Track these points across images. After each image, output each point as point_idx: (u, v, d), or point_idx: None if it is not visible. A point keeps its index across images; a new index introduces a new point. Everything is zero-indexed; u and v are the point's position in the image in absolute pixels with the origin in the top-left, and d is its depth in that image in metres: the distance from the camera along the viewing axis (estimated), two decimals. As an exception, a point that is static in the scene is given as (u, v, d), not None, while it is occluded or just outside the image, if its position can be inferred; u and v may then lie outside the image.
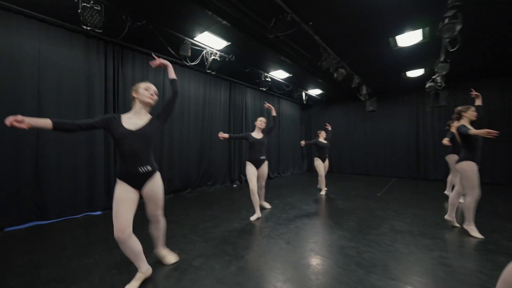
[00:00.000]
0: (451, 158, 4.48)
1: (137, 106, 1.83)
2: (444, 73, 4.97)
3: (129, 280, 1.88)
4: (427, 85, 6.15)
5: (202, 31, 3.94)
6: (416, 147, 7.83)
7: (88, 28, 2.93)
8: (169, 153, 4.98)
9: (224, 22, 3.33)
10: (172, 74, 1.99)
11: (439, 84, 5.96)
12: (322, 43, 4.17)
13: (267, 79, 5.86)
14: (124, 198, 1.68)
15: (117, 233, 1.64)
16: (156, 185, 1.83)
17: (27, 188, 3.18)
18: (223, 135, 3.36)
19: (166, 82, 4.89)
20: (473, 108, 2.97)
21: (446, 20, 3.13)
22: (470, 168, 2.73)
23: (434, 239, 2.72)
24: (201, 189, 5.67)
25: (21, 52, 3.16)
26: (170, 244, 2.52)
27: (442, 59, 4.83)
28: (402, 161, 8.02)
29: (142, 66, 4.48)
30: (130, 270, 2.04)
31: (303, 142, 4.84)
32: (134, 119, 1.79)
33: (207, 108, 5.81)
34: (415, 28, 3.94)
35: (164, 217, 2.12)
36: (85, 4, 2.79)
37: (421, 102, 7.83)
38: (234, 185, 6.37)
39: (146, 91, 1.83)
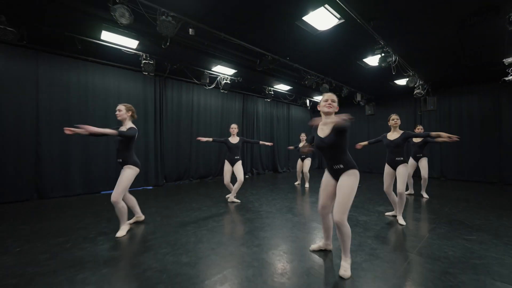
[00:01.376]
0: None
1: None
2: (413, 84, 5.89)
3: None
4: (414, 92, 7.00)
5: (216, 65, 5.73)
6: (414, 147, 8.47)
7: (146, 73, 4.92)
8: (196, 150, 6.89)
9: (230, 59, 5.06)
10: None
11: (421, 92, 6.79)
12: (302, 67, 5.60)
13: (270, 92, 7.41)
14: None
15: None
16: None
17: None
18: (203, 139, 4.15)
19: (194, 99, 6.84)
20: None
21: (380, 55, 4.35)
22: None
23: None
24: (220, 177, 7.48)
25: (108, 87, 5.34)
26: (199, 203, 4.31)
27: (411, 73, 5.81)
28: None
29: (176, 90, 6.49)
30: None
31: (291, 148, 6.35)
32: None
33: (225, 116, 7.63)
34: (373, 54, 5.09)
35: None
36: (145, 61, 4.77)
37: (419, 105, 8.46)
38: (246, 176, 8.05)
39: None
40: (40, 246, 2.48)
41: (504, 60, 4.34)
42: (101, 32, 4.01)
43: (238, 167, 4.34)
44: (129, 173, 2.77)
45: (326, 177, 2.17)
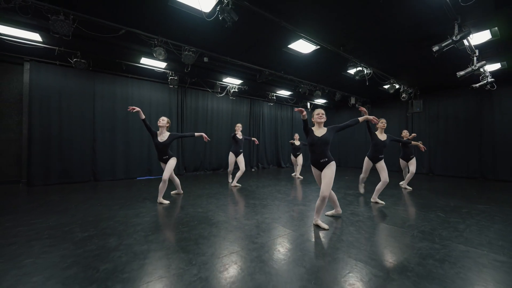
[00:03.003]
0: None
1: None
2: (393, 90, 6.83)
3: (188, 189, 5.06)
4: (401, 95, 7.90)
5: (226, 77, 7.07)
6: (406, 145, 9.29)
7: (171, 86, 6.38)
8: (210, 147, 8.30)
9: (236, 74, 6.38)
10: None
11: (405, 96, 7.68)
12: (296, 78, 6.79)
13: (273, 97, 8.64)
14: None
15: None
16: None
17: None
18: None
19: (208, 105, 8.25)
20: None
21: (354, 71, 5.43)
22: None
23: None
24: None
25: (143, 96, 6.88)
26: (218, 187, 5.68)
27: (391, 81, 6.76)
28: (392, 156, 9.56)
29: (195, 97, 7.94)
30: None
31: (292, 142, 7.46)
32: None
33: (234, 118, 8.98)
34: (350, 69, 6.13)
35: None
36: (171, 77, 6.22)
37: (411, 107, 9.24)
38: (253, 170, 9.34)
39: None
40: (110, 205, 3.94)
41: (457, 73, 5.20)
42: (141, 58, 5.49)
43: (241, 159, 5.64)
44: (173, 162, 4.08)
45: (314, 170, 2.99)
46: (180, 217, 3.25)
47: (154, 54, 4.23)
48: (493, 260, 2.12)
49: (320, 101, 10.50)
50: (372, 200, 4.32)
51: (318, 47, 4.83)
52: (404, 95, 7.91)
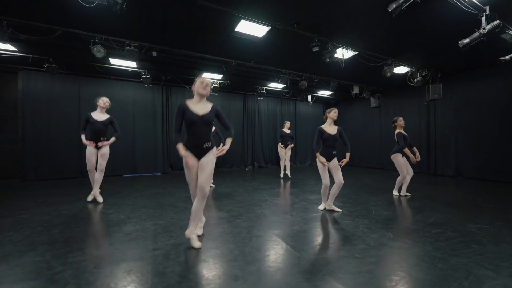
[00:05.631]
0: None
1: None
2: (389, 74, 5.57)
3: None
4: (415, 80, 6.49)
5: (204, 72, 6.81)
6: (427, 141, 7.63)
7: (145, 85, 6.42)
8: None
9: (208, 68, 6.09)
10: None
11: (417, 80, 6.25)
12: (273, 68, 6.11)
13: (262, 91, 8.04)
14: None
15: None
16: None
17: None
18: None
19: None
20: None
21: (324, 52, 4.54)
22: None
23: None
24: (221, 169, 8.58)
25: (126, 96, 7.11)
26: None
27: (388, 61, 5.53)
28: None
29: (181, 95, 7.90)
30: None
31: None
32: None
33: (225, 115, 8.65)
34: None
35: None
36: (144, 76, 6.26)
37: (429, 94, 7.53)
38: (247, 168, 8.91)
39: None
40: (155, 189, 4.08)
41: (459, 42, 3.83)
42: (108, 59, 5.62)
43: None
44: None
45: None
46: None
47: (93, 52, 4.21)
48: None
49: (325, 93, 9.39)
50: (326, 207, 3.51)
51: (270, 27, 4.16)
52: (417, 78, 6.45)
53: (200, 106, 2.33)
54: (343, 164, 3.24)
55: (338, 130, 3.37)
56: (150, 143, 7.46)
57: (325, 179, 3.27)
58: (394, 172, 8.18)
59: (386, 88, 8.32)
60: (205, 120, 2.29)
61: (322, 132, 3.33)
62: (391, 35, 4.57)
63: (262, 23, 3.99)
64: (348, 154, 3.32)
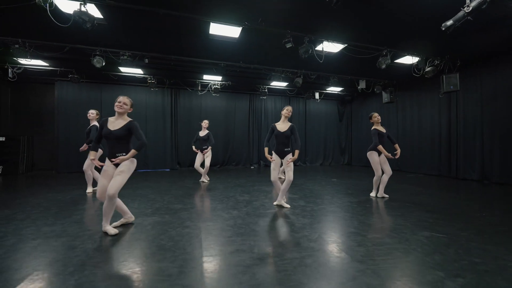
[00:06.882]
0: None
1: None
2: (384, 66, 5.06)
3: (139, 181, 5.59)
4: (425, 70, 5.84)
5: (202, 74, 7.20)
6: (447, 140, 6.68)
7: (152, 89, 7.11)
8: (204, 143, 8.65)
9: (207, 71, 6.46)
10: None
11: (428, 70, 5.59)
12: (263, 66, 6.15)
13: (264, 90, 8.09)
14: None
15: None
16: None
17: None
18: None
19: (202, 103, 8.61)
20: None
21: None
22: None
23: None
24: (227, 167, 8.91)
25: (140, 100, 7.95)
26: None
27: (384, 52, 5.07)
28: (432, 156, 7.05)
29: (188, 97, 8.47)
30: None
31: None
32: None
33: (231, 114, 8.97)
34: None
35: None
36: (150, 81, 6.94)
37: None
38: (252, 167, 9.05)
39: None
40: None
41: (442, 25, 3.28)
42: (116, 67, 6.42)
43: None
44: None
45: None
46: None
47: (93, 63, 4.91)
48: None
49: (335, 90, 8.94)
50: (276, 202, 3.48)
51: (240, 27, 4.25)
52: (428, 68, 5.73)
53: (116, 123, 2.65)
54: (289, 162, 3.19)
55: (290, 127, 3.33)
56: (159, 142, 8.19)
57: (290, 176, 3.25)
58: (409, 174, 7.41)
59: (400, 81, 7.54)
60: (115, 135, 2.56)
61: (274, 129, 3.34)
62: (380, 21, 4.17)
63: (230, 23, 4.11)
64: (297, 152, 3.25)
